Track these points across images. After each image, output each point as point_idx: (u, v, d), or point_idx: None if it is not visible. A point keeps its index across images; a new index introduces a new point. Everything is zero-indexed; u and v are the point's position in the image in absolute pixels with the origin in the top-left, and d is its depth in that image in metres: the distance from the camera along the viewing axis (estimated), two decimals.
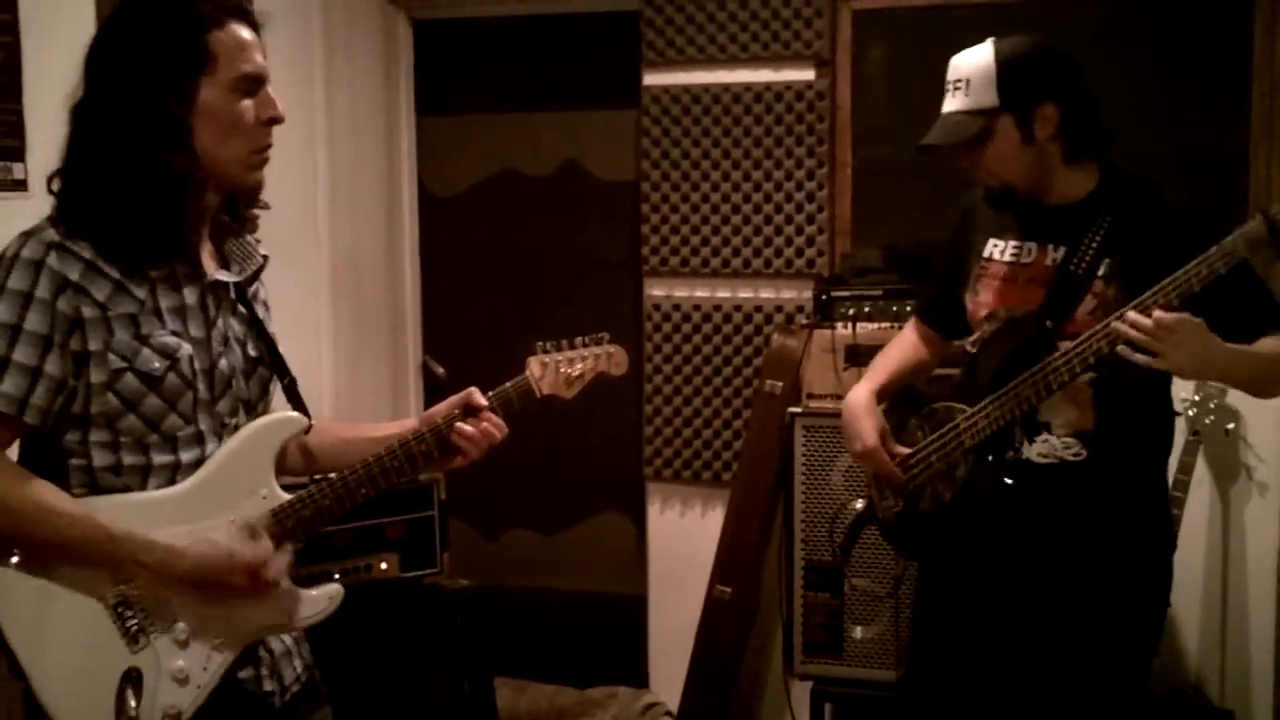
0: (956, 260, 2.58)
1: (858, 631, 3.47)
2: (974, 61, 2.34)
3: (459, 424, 1.92)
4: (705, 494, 4.10)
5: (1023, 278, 2.42)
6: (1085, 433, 2.35)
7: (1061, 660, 2.41)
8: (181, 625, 1.76)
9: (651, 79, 4.03)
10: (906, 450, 2.57)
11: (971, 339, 2.52)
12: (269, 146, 1.83)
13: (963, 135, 2.34)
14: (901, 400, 2.65)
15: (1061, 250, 2.37)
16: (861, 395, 2.63)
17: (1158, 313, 2.10)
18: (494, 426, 1.94)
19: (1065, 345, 2.29)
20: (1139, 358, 2.13)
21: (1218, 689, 3.65)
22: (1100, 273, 2.30)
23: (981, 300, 2.48)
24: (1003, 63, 2.30)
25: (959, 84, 2.34)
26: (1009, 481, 2.38)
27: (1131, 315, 2.13)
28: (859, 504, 3.32)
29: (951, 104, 2.37)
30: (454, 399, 1.96)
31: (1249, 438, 3.57)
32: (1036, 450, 2.38)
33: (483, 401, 1.94)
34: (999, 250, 2.47)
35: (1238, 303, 2.18)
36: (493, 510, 4.42)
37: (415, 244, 4.44)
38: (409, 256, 4.42)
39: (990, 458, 2.41)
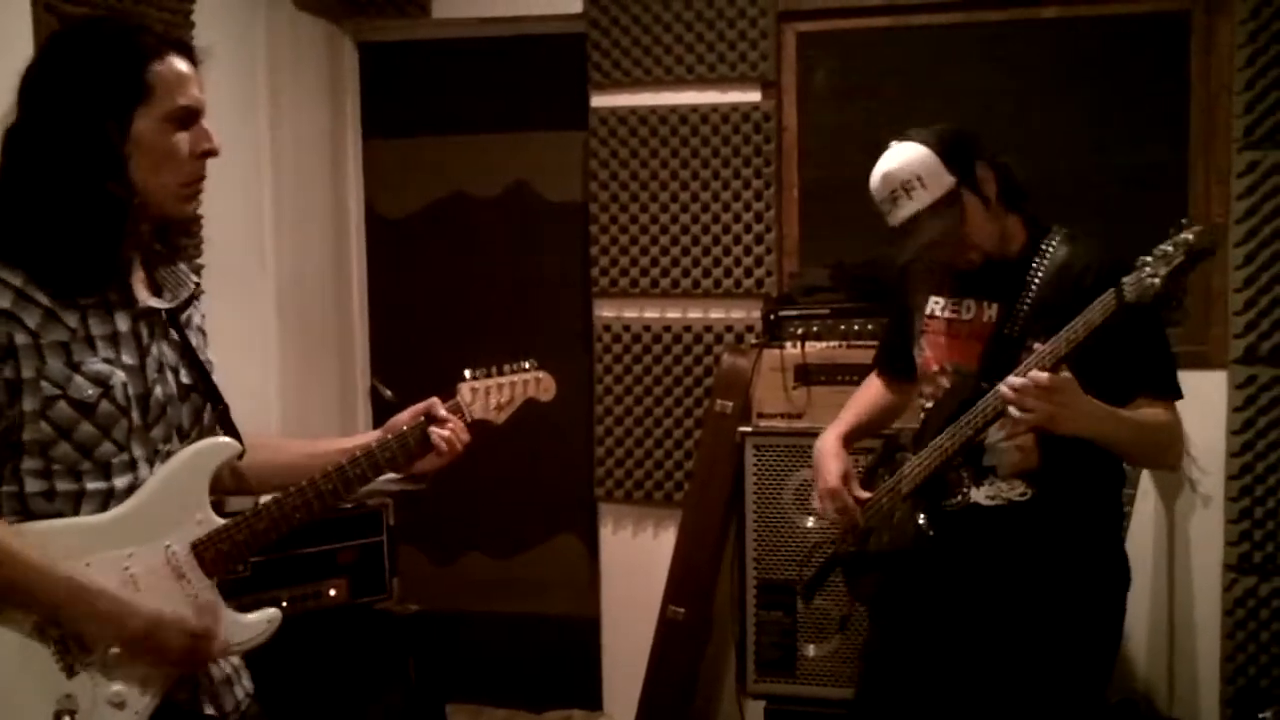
0: (901, 316, 2.67)
1: (810, 650, 3.48)
2: (910, 160, 2.37)
3: (433, 427, 1.97)
4: (658, 514, 4.10)
5: (963, 333, 2.50)
6: (1030, 472, 2.40)
7: (1014, 692, 2.43)
8: (116, 650, 1.73)
9: (599, 101, 4.05)
10: (868, 495, 2.64)
11: (926, 394, 2.59)
12: (202, 179, 1.84)
13: (947, 227, 2.38)
14: (885, 452, 2.71)
15: (995, 307, 2.44)
16: (829, 439, 2.71)
17: (1034, 373, 2.18)
18: (460, 431, 1.99)
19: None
20: (1015, 414, 2.22)
21: (1166, 698, 3.69)
22: (1034, 332, 2.35)
23: (928, 356, 2.57)
24: (937, 146, 2.37)
25: (909, 186, 2.37)
26: (929, 531, 2.45)
27: (1012, 379, 2.21)
28: (810, 522, 3.34)
29: (909, 208, 2.38)
30: (417, 407, 2.01)
31: (1192, 451, 3.62)
32: (984, 493, 2.43)
33: (443, 412, 1.99)
34: (939, 307, 2.55)
35: (1116, 363, 2.26)
36: (444, 535, 4.39)
37: (363, 267, 4.42)
38: (357, 279, 4.40)
39: (925, 506, 2.48)
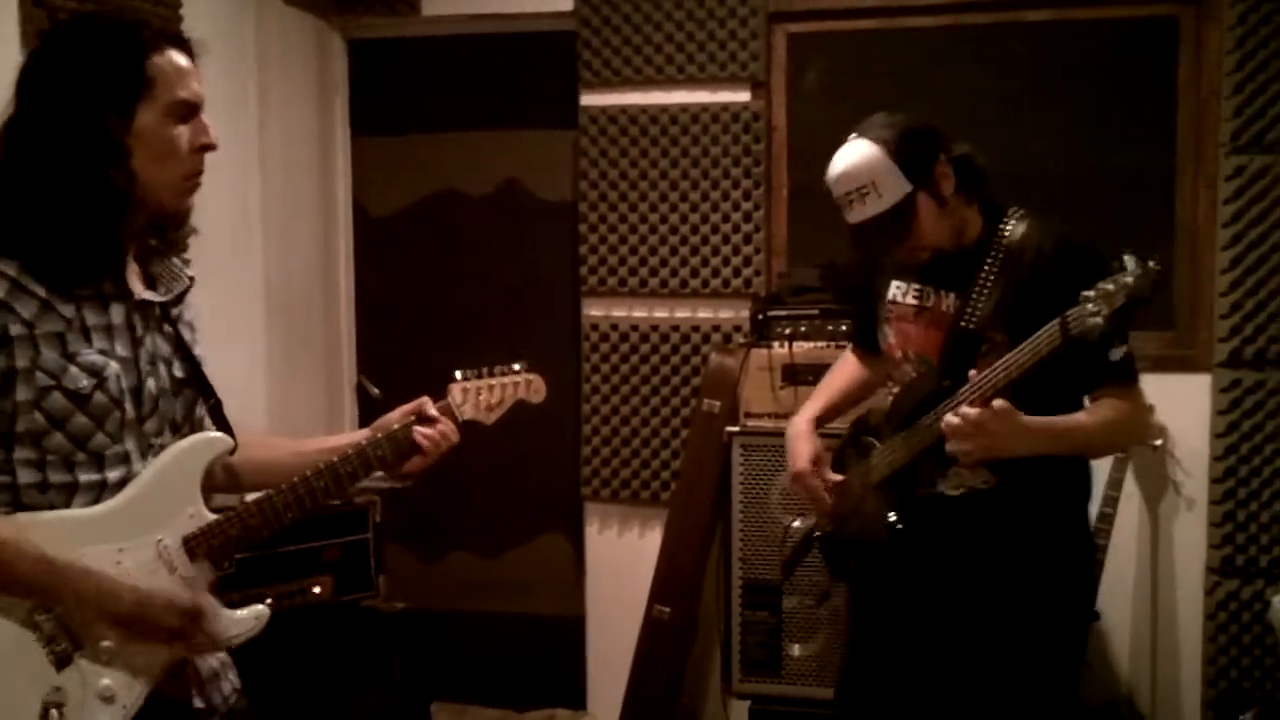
0: (868, 296, 2.68)
1: (795, 649, 3.48)
2: (867, 163, 2.35)
3: (418, 426, 1.98)
4: (644, 514, 4.10)
5: (924, 321, 2.51)
6: (992, 461, 2.41)
7: (989, 680, 2.46)
8: (107, 644, 1.73)
9: (589, 99, 4.04)
10: (839, 477, 2.67)
11: (894, 378, 2.62)
12: (200, 173, 1.84)
13: (898, 232, 2.39)
14: (854, 431, 2.73)
15: (952, 296, 2.45)
16: (801, 421, 2.73)
17: (964, 409, 2.22)
18: (450, 430, 2.00)
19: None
20: (953, 448, 2.28)
21: (1148, 700, 3.71)
22: (991, 325, 2.37)
23: (891, 342, 2.59)
24: (894, 151, 2.34)
25: (865, 190, 2.36)
26: (899, 526, 2.47)
27: (949, 416, 2.25)
28: (796, 522, 3.35)
29: (865, 211, 2.38)
30: (407, 407, 2.02)
31: (1176, 453, 3.64)
32: (950, 483, 2.45)
33: (433, 412, 2.01)
34: (901, 292, 2.56)
35: (1075, 361, 2.24)
36: (431, 533, 4.38)
37: (350, 264, 4.41)
38: (344, 276, 4.39)
39: (895, 501, 2.50)
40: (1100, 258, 2.26)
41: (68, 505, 1.74)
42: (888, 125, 2.39)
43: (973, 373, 2.29)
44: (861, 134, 2.39)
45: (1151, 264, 2.05)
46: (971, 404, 2.23)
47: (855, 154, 2.38)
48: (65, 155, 1.72)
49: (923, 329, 2.50)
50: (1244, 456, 3.57)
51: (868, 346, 2.76)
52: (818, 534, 2.79)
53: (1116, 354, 2.29)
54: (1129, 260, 2.07)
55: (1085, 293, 2.09)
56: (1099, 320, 2.07)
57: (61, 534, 1.72)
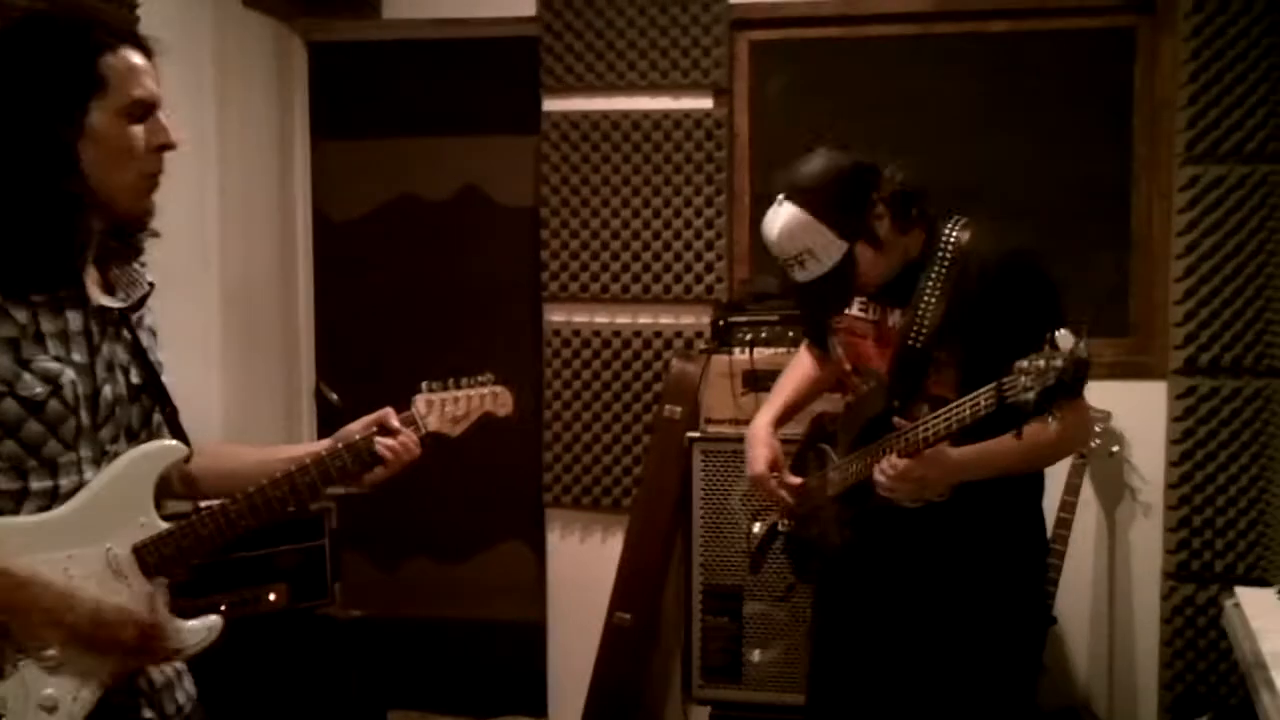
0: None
1: (756, 655, 3.49)
2: (799, 231, 2.32)
3: (380, 438, 1.95)
4: (605, 520, 4.09)
5: (872, 336, 2.53)
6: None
7: (948, 685, 2.48)
8: (52, 652, 1.70)
9: (551, 105, 4.03)
10: (798, 480, 2.68)
11: (849, 387, 2.64)
12: (159, 173, 1.80)
13: (841, 288, 2.40)
14: (812, 434, 2.75)
15: (898, 313, 2.46)
16: (760, 424, 2.73)
17: (894, 459, 2.29)
18: (411, 442, 1.97)
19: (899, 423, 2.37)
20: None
21: (1106, 705, 3.74)
22: (938, 344, 2.38)
23: (841, 354, 2.62)
24: (824, 214, 2.31)
25: (802, 258, 2.34)
26: (855, 540, 2.51)
27: (875, 475, 2.32)
28: (756, 526, 3.35)
29: (806, 274, 2.37)
30: (370, 417, 1.98)
31: (1133, 460, 3.68)
32: None
33: (396, 423, 1.98)
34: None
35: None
36: (389, 539, 4.35)
37: (310, 269, 4.37)
38: (303, 281, 4.35)
39: (850, 515, 2.52)
40: (1045, 275, 2.29)
41: (16, 511, 1.71)
42: (814, 183, 2.34)
43: (898, 420, 2.31)
44: (789, 197, 2.34)
45: (1083, 345, 2.01)
46: (905, 453, 2.28)
47: (786, 222, 2.33)
48: (15, 161, 1.68)
49: (871, 344, 2.52)
50: (1199, 463, 3.61)
51: (822, 344, 2.77)
52: (781, 528, 2.81)
53: (1053, 425, 2.27)
54: (1064, 339, 2.03)
55: (1020, 363, 2.07)
56: (1030, 397, 2.05)
57: (7, 540, 1.69)
